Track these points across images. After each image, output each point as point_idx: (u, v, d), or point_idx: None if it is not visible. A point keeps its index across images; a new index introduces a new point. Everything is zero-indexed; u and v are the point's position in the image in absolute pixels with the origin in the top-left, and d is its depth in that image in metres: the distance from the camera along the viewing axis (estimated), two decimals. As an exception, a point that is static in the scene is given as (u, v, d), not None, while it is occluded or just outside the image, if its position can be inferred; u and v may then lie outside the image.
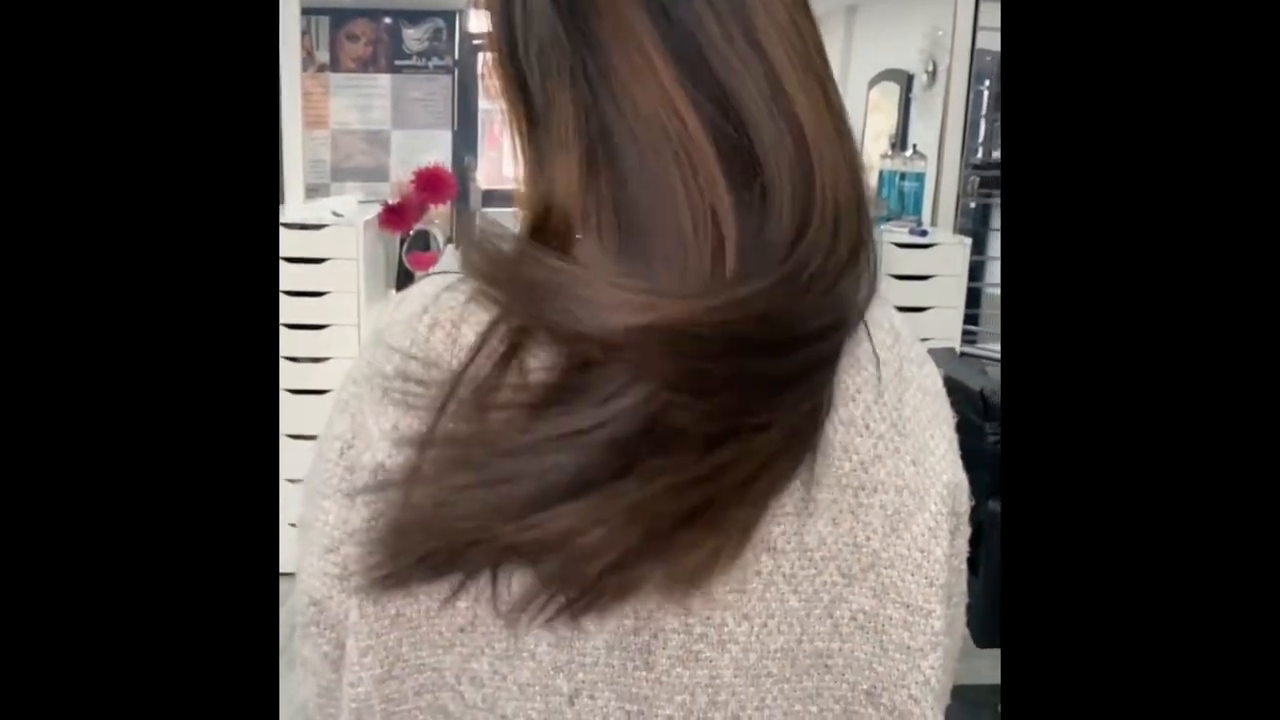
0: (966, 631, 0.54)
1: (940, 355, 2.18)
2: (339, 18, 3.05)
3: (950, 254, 2.70)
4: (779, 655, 0.47)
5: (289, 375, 2.57)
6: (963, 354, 2.73)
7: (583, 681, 0.46)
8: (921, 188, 2.99)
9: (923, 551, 0.49)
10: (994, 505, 2.03)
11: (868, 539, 0.48)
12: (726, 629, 0.46)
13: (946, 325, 2.68)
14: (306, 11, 2.92)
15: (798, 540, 0.47)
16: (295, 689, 0.53)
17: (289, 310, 2.54)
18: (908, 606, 0.48)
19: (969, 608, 0.55)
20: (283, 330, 2.54)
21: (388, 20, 3.04)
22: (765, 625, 0.47)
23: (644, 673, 0.46)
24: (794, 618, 0.47)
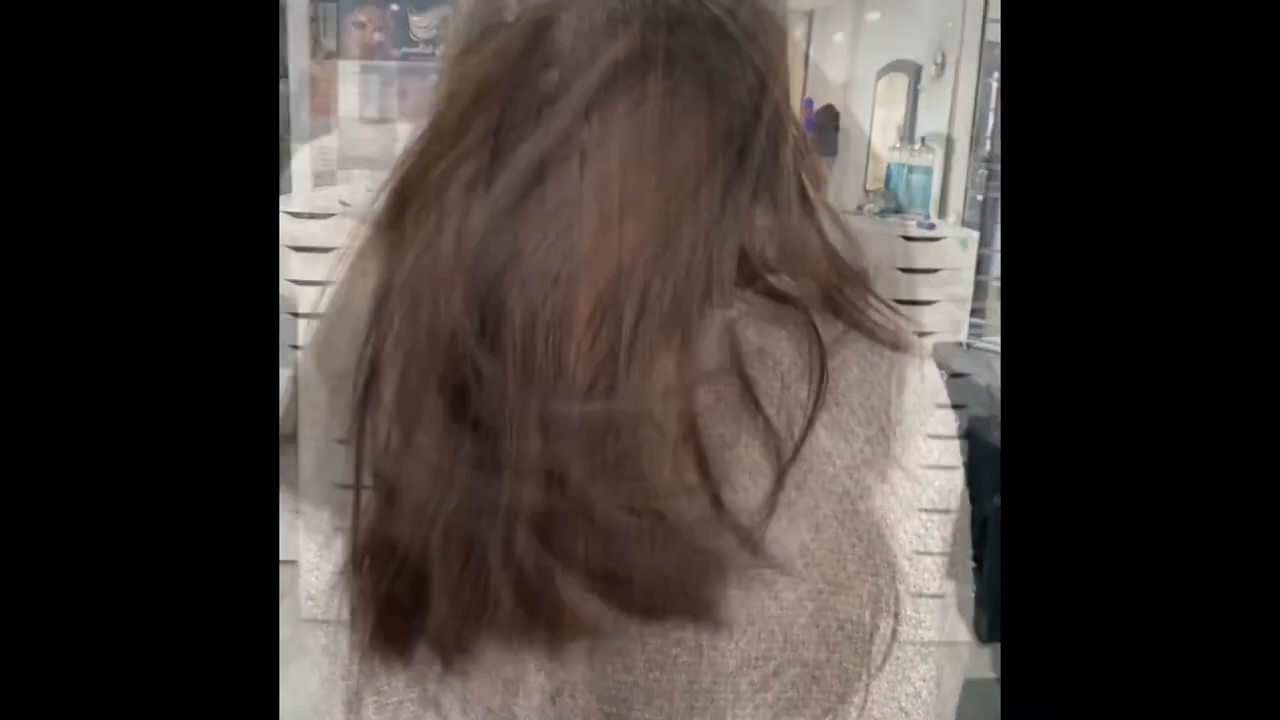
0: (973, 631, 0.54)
1: (947, 350, 2.17)
2: (346, 4, 3.04)
3: (957, 247, 2.68)
4: (760, 663, 0.46)
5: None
6: (969, 347, 2.72)
7: (564, 681, 0.46)
8: (929, 181, 2.97)
9: (910, 560, 0.48)
10: (999, 500, 2.03)
11: (853, 545, 0.47)
12: (704, 634, 0.46)
13: (953, 319, 2.67)
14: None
15: (777, 546, 0.46)
16: (298, 680, 0.53)
17: (298, 299, 2.54)
18: (897, 616, 0.47)
19: (975, 602, 0.54)
20: (290, 319, 2.54)
21: (395, 7, 3.03)
22: (745, 632, 0.46)
23: (622, 675, 0.46)
24: (775, 625, 0.46)
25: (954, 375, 2.25)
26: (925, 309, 2.63)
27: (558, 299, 0.42)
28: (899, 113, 3.59)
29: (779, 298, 0.46)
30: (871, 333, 0.49)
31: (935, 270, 2.65)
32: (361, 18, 3.05)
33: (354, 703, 0.49)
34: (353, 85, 3.00)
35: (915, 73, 3.44)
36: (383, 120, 3.13)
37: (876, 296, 0.49)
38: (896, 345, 0.49)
